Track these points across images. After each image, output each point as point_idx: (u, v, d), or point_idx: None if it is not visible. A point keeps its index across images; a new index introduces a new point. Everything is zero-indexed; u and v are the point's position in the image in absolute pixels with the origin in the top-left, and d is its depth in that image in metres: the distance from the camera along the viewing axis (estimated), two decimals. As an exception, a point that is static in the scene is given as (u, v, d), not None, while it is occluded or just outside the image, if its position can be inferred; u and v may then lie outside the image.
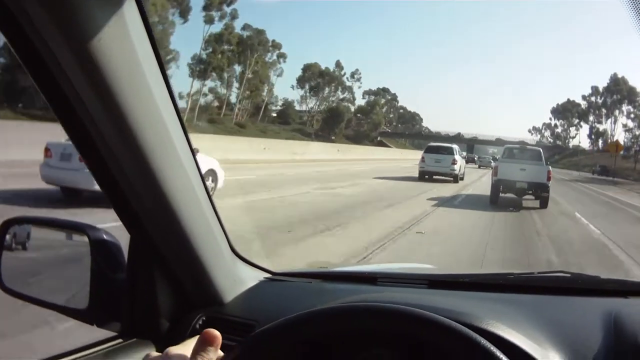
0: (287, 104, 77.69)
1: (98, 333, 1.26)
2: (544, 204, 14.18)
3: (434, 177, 21.83)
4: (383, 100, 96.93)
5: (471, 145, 74.64)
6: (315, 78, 78.88)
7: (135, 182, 1.08)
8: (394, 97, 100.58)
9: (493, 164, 17.07)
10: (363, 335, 1.00)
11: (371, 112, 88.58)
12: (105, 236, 1.22)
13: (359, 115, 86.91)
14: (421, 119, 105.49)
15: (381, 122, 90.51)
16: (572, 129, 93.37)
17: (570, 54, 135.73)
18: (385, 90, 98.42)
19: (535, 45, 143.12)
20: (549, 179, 14.20)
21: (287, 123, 71.90)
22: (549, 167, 14.76)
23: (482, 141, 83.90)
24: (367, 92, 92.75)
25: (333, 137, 71.56)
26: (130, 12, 0.90)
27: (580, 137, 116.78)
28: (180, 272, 1.26)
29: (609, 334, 1.12)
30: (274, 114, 75.32)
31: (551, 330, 1.12)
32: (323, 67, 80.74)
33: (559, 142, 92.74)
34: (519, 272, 1.50)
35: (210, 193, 1.24)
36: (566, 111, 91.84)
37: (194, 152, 1.16)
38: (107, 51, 0.88)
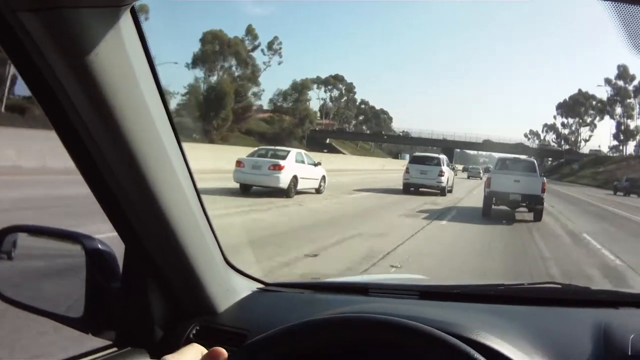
0: (191, 92, 55.30)
1: (93, 341, 1.27)
2: (538, 217, 14.05)
3: (420, 189, 20.78)
4: (337, 93, 74.84)
5: (450, 150, 57.61)
6: (215, 52, 55.26)
7: (131, 194, 1.10)
8: (350, 88, 77.87)
9: (483, 175, 16.93)
10: (353, 346, 1.01)
11: (298, 101, 66.06)
12: (100, 246, 1.24)
13: (281, 104, 65.44)
14: (390, 118, 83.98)
15: (311, 114, 67.61)
16: (586, 129, 71.07)
17: (577, 36, 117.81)
18: (337, 79, 75.72)
19: (531, 27, 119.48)
20: (543, 190, 14.10)
21: (180, 116, 48.14)
22: (543, 179, 14.70)
23: (466, 144, 68.53)
24: (315, 81, 72.42)
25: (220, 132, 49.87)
26: (126, 26, 0.93)
27: (597, 139, 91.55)
28: (174, 282, 1.28)
29: (598, 345, 1.14)
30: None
31: (541, 341, 1.14)
32: (232, 37, 56.47)
33: (566, 146, 71.67)
34: (510, 283, 1.51)
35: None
36: (578, 105, 68.81)
37: (189, 165, 1.18)
38: (104, 64, 0.90)
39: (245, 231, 8.61)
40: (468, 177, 41.04)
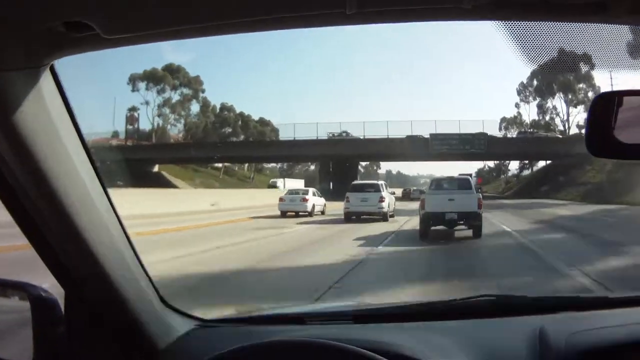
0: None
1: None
2: (477, 234, 13.84)
3: (362, 217, 20.58)
4: (177, 94, 50.15)
5: (350, 164, 44.11)
6: None
7: (62, 241, 1.18)
8: (193, 83, 52.12)
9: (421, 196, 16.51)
10: None
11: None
12: (42, 293, 1.30)
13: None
14: (275, 130, 55.80)
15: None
16: (578, 109, 49.90)
17: None
18: (171, 71, 50.74)
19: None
20: (479, 206, 13.96)
21: None
22: (479, 195, 14.54)
23: (374, 143, 45.55)
24: (141, 77, 50.46)
25: None
26: (46, 84, 1.02)
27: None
28: (113, 324, 1.34)
29: (533, 351, 1.22)
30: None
31: (477, 353, 1.21)
32: None
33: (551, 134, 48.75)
34: (442, 299, 1.59)
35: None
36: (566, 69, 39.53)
37: (116, 210, 1.27)
38: (28, 122, 0.99)
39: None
40: (411, 200, 41.37)
